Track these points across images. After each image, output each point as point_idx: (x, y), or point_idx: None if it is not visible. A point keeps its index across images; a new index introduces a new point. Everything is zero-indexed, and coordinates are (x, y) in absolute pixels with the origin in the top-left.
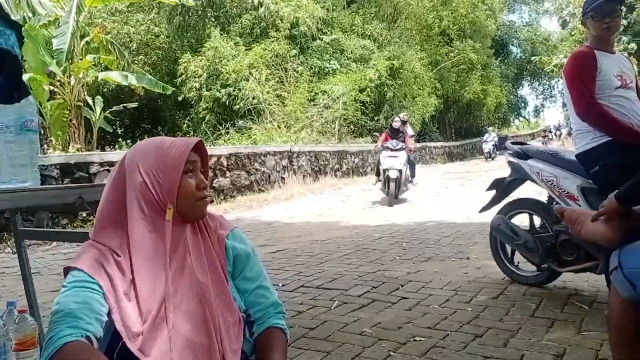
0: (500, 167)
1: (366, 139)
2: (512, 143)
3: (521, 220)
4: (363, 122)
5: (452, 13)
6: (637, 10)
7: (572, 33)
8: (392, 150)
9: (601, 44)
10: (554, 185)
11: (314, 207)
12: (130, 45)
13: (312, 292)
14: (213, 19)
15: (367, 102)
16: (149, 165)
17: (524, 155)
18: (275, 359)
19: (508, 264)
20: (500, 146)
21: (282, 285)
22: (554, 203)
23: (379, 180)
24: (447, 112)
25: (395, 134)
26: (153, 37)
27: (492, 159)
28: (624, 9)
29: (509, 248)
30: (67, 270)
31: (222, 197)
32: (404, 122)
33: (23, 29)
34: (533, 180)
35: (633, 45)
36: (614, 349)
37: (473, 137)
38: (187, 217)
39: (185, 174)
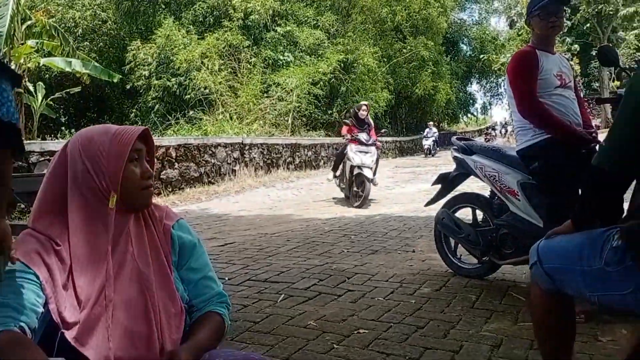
0: (448, 163)
1: (319, 133)
2: (457, 139)
3: (465, 214)
4: (316, 116)
5: (405, 9)
6: (581, 12)
7: (519, 33)
8: (363, 144)
9: (543, 44)
10: (496, 181)
11: (265, 200)
12: (76, 30)
13: (259, 285)
14: (164, 6)
15: (320, 95)
16: (93, 152)
17: (469, 151)
18: (198, 335)
19: (451, 257)
20: (439, 142)
21: (228, 279)
22: (496, 198)
23: (337, 177)
24: (399, 107)
25: (361, 125)
26: (100, 22)
27: (432, 155)
28: (568, 10)
29: (452, 241)
30: None
31: (170, 189)
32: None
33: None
34: (476, 175)
35: (576, 47)
36: (538, 339)
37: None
38: (131, 206)
39: (130, 162)
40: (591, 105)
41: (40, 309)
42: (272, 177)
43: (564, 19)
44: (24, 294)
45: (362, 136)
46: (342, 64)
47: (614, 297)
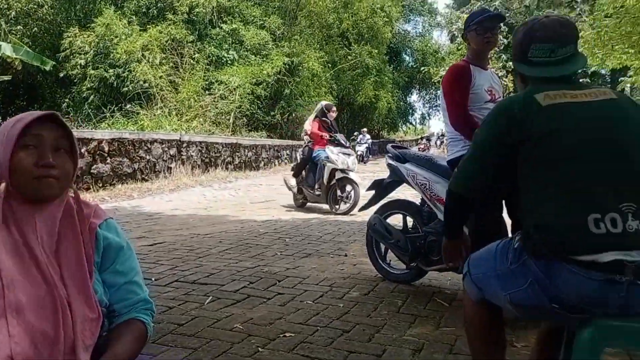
0: (385, 169)
1: (261, 134)
2: (392, 147)
3: (397, 220)
4: (258, 116)
5: (352, 16)
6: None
7: (459, 48)
8: (343, 146)
9: (477, 59)
10: (427, 189)
11: (201, 200)
12: (9, 13)
13: (187, 287)
14: None
15: (263, 96)
16: None
17: (402, 159)
18: (117, 347)
19: (381, 262)
20: (374, 150)
21: (154, 280)
22: (425, 205)
23: (301, 182)
24: (341, 113)
25: (328, 127)
26: (35, 6)
27: (365, 163)
28: (505, 28)
29: (383, 246)
30: None
31: (101, 185)
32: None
33: None
34: (408, 183)
35: (511, 64)
36: (471, 346)
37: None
38: (27, 196)
39: (23, 149)
40: None
41: None
42: (210, 176)
43: (500, 36)
44: None
45: (341, 137)
46: (287, 66)
47: (519, 293)
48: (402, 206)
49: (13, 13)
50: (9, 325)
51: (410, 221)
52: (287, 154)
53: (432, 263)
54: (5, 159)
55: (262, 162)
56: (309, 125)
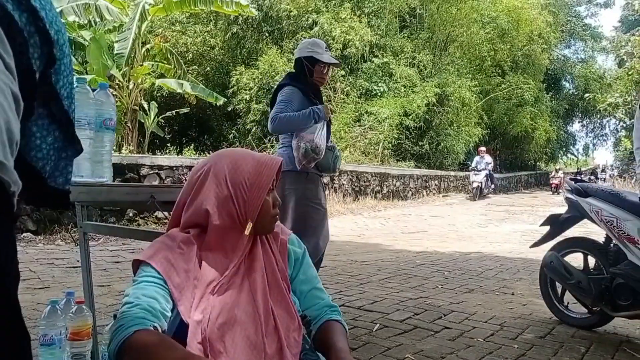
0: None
1: (409, 163)
2: (571, 179)
3: (574, 259)
4: (406, 146)
5: (508, 46)
6: None
7: (629, 72)
8: None
9: None
10: (614, 226)
11: (353, 227)
12: (187, 55)
13: (353, 312)
14: (267, 34)
15: (412, 126)
16: (238, 180)
17: (584, 193)
18: (339, 343)
19: (557, 304)
20: (494, 179)
21: None
22: (612, 244)
23: None
24: (491, 142)
25: None
26: (208, 48)
27: (482, 197)
28: None
29: (559, 287)
30: (137, 263)
31: None
32: None
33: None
34: (591, 219)
35: None
36: None
37: (518, 171)
38: (259, 232)
39: (267, 193)
40: None
41: (169, 314)
42: (360, 204)
43: None
44: (156, 299)
45: None
46: (437, 96)
47: None
48: (584, 244)
49: (190, 55)
50: (225, 342)
51: (592, 261)
52: (436, 185)
53: (619, 308)
54: (258, 203)
55: (410, 192)
56: None
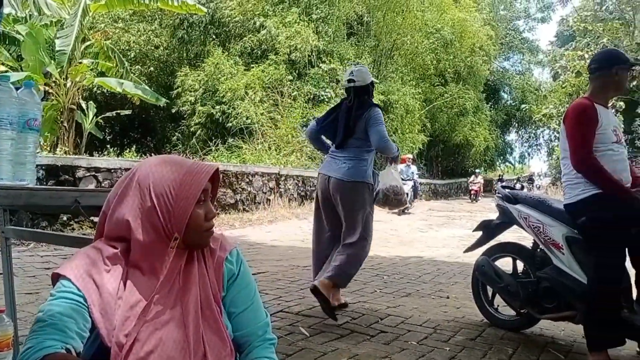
0: (485, 209)
1: None
2: (502, 187)
3: (505, 263)
4: None
5: (451, 57)
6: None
7: (563, 85)
8: None
9: (602, 98)
10: (540, 232)
11: (297, 232)
12: (129, 53)
13: (291, 317)
14: (214, 36)
15: None
16: (162, 190)
17: (513, 200)
18: None
19: (488, 306)
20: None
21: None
22: (538, 249)
23: None
24: (433, 149)
25: None
26: (152, 47)
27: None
28: None
29: (490, 290)
30: (55, 277)
31: None
32: None
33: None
34: (520, 225)
35: (621, 104)
36: None
37: (459, 177)
38: (190, 246)
39: (197, 204)
40: (634, 163)
41: (87, 334)
42: (305, 209)
43: None
44: (73, 318)
45: None
46: (382, 103)
47: None
48: (513, 249)
49: (133, 54)
50: None
51: (520, 265)
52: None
53: (545, 311)
54: (185, 215)
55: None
56: None
